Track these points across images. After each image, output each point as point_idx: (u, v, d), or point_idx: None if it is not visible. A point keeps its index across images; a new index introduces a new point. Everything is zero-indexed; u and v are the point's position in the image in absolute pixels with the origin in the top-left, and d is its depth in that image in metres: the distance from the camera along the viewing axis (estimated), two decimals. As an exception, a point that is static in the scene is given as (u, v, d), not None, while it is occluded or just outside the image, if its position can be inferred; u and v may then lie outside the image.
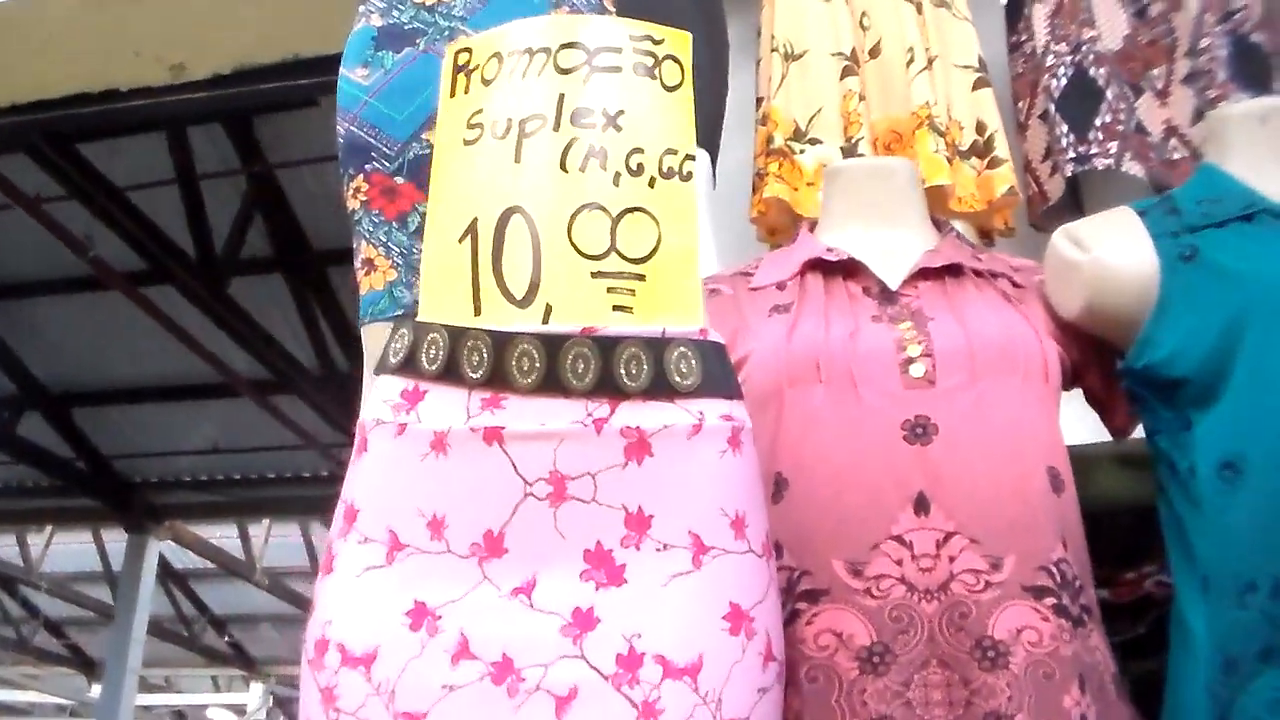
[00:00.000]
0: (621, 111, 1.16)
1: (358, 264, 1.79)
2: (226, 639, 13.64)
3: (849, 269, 1.53)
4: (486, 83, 1.20)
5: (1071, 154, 2.11)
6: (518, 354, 1.09)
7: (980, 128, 2.20)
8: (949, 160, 2.10)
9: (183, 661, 14.13)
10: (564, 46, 1.18)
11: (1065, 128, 2.13)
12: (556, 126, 1.15)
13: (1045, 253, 1.56)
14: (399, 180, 1.76)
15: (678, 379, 1.12)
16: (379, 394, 1.17)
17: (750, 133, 2.30)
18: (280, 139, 5.85)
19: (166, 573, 11.03)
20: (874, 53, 2.26)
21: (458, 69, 1.23)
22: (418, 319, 1.17)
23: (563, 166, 1.14)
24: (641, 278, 1.12)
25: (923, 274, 1.52)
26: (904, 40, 2.23)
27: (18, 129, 3.96)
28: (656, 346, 1.11)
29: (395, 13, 1.84)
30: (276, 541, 10.92)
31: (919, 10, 2.26)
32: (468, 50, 1.23)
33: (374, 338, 1.74)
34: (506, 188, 1.14)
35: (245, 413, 7.46)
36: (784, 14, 2.32)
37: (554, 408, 1.09)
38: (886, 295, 1.50)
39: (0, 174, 5.25)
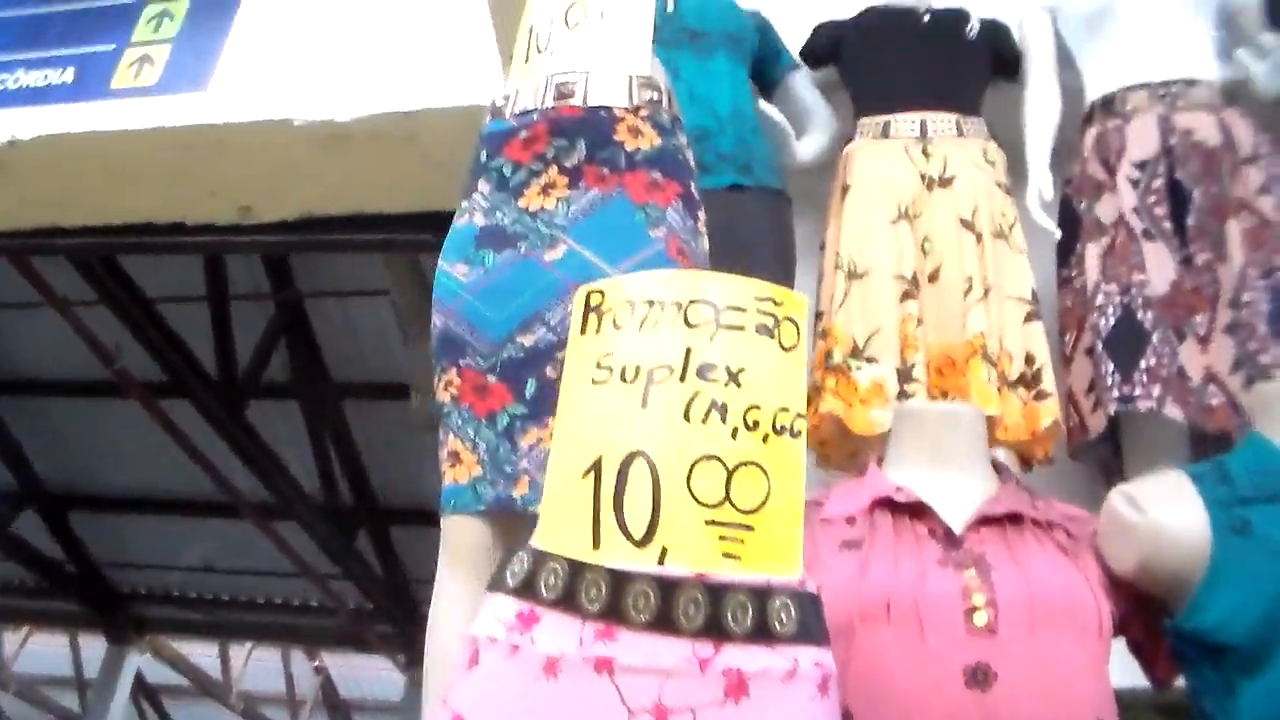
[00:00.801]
0: (743, 369, 1.25)
1: (443, 454, 1.87)
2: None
3: (915, 510, 1.61)
4: (617, 326, 1.29)
5: (1116, 393, 2.21)
6: (634, 593, 1.17)
7: (1030, 359, 2.30)
8: (999, 390, 2.21)
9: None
10: (693, 302, 1.28)
11: (1111, 367, 2.24)
12: (682, 378, 1.24)
13: (1102, 509, 1.64)
14: (491, 379, 1.85)
15: (778, 626, 1.19)
16: (493, 612, 1.24)
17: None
18: (312, 269, 5.98)
19: (139, 687, 10.86)
20: (933, 278, 2.38)
21: (589, 308, 1.32)
22: (536, 546, 1.24)
23: (686, 417, 1.23)
24: (751, 528, 1.20)
25: (984, 520, 1.60)
26: (964, 269, 2.35)
27: (84, 249, 4.06)
28: (761, 595, 1.19)
29: (499, 214, 1.95)
30: (256, 666, 10.78)
31: (979, 240, 2.38)
32: (600, 292, 1.33)
33: (454, 530, 1.82)
34: (632, 431, 1.23)
35: (242, 534, 7.45)
36: (850, 232, 2.44)
37: (663, 645, 1.16)
38: (951, 539, 1.57)
39: (36, 272, 5.33)
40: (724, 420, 1.23)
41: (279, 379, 6.41)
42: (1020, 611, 1.46)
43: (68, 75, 3.42)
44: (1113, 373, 2.24)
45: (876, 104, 2.61)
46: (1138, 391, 2.20)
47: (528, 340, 1.84)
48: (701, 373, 1.25)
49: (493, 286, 1.89)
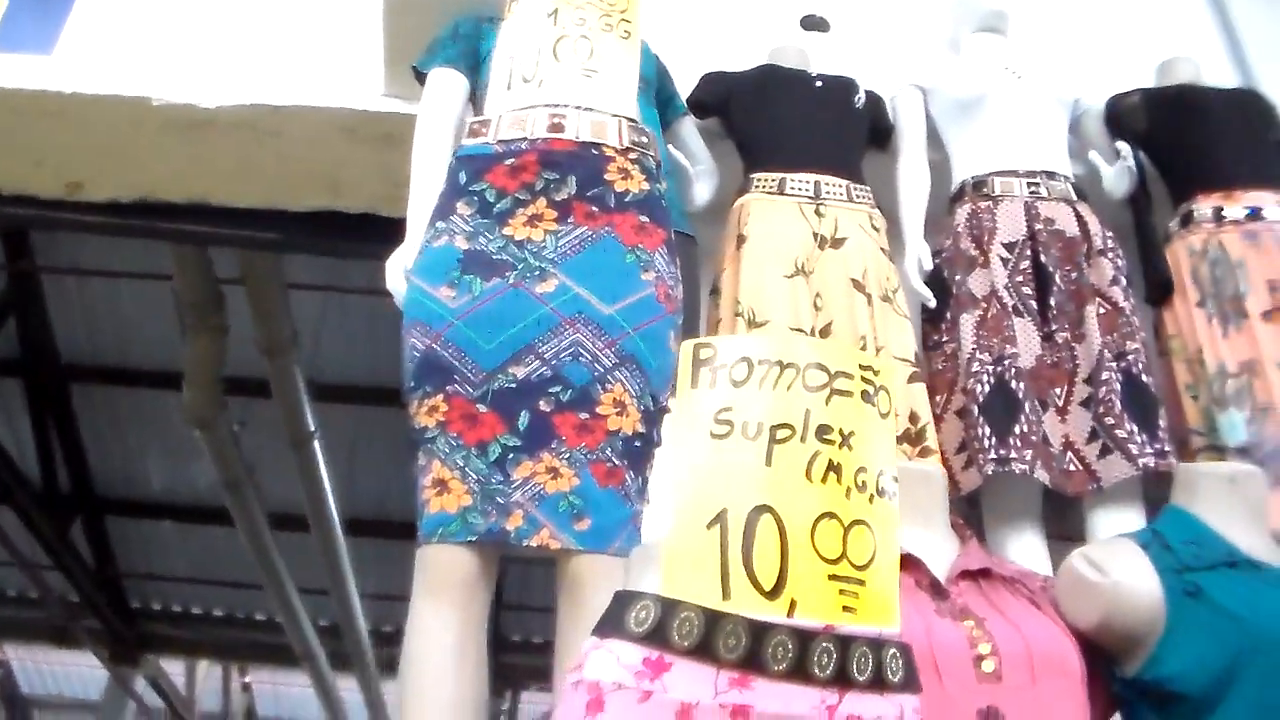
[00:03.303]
0: (853, 432, 1.34)
1: (426, 480, 1.84)
2: None
3: (904, 562, 1.73)
4: (735, 383, 1.34)
5: (993, 455, 2.41)
6: (774, 643, 1.23)
7: (913, 418, 2.47)
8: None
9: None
10: (810, 365, 1.35)
11: (988, 430, 2.44)
12: (803, 438, 1.31)
13: (1061, 568, 1.81)
14: (481, 408, 1.84)
15: (890, 675, 1.29)
16: (614, 657, 1.26)
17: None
18: (53, 243, 5.58)
19: None
20: (825, 333, 2.51)
21: (698, 361, 1.37)
22: (662, 594, 1.27)
23: (808, 475, 1.30)
24: (864, 583, 1.29)
25: (962, 574, 1.74)
26: (856, 327, 2.50)
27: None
28: (876, 646, 1.28)
29: (482, 239, 1.94)
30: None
31: (869, 301, 2.55)
32: (710, 346, 1.38)
33: (441, 558, 1.79)
34: (758, 486, 1.29)
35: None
36: (749, 283, 2.54)
37: (796, 692, 1.23)
38: (938, 591, 1.70)
39: None
40: (840, 480, 1.31)
41: (5, 355, 5.96)
42: (1021, 660, 1.60)
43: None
44: (989, 436, 2.43)
45: (771, 160, 2.73)
46: (1012, 455, 2.40)
47: (520, 371, 1.85)
48: (820, 434, 1.32)
49: (483, 314, 1.89)
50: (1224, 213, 2.75)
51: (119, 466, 6.77)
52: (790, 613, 1.25)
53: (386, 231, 2.42)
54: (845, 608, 1.27)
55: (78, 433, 6.43)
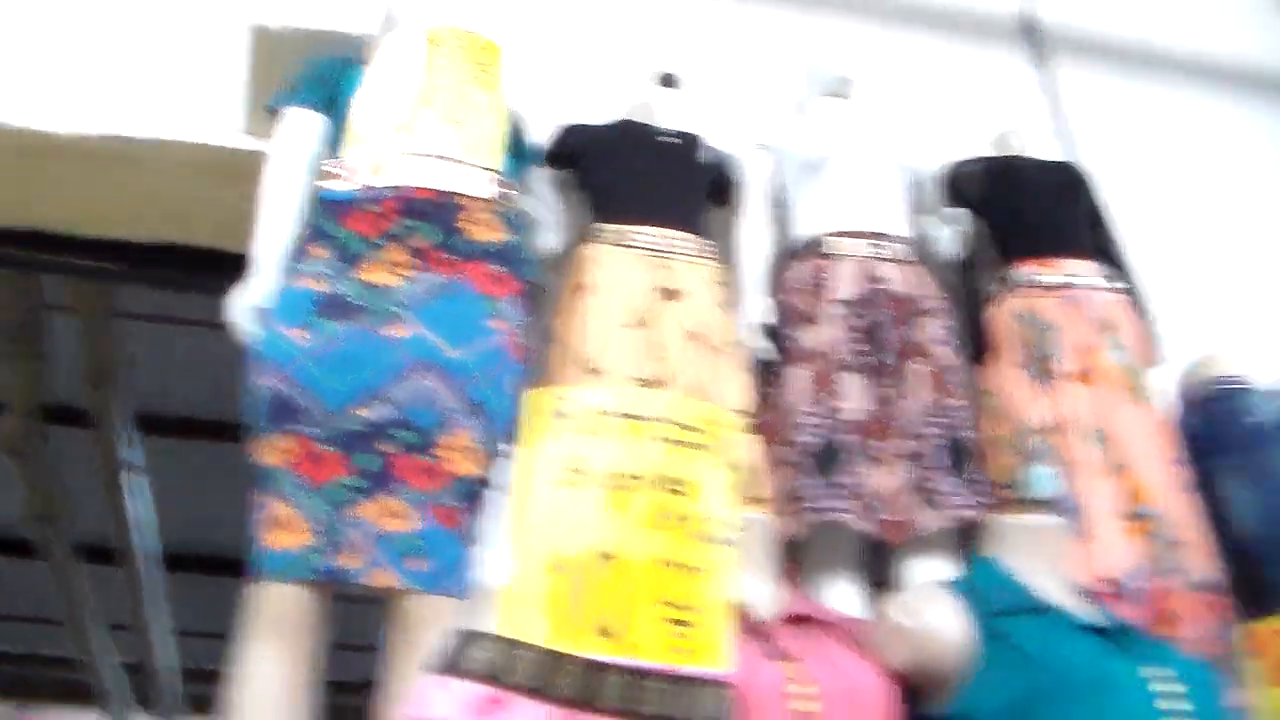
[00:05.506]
0: (697, 483, 1.40)
1: (264, 517, 1.84)
2: None
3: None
4: (583, 434, 1.39)
5: (815, 505, 2.50)
6: (607, 682, 1.28)
7: (746, 468, 2.54)
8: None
9: None
10: (656, 418, 1.41)
11: (811, 481, 2.53)
12: (648, 487, 1.37)
13: (878, 613, 1.91)
14: (327, 449, 1.85)
15: (713, 714, 1.35)
16: (453, 695, 1.30)
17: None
18: None
19: None
20: (662, 383, 2.50)
21: (547, 411, 1.42)
22: (501, 635, 1.31)
23: (650, 523, 1.36)
24: (698, 626, 1.35)
25: (787, 619, 1.82)
26: (693, 379, 2.54)
27: None
28: (704, 686, 1.34)
29: (340, 284, 1.96)
30: None
31: (707, 354, 2.61)
32: (560, 396, 1.43)
33: (277, 597, 1.79)
34: (600, 533, 1.35)
35: None
36: (588, 330, 2.55)
37: None
38: (761, 634, 1.77)
39: None
40: (681, 528, 1.37)
41: None
42: (837, 699, 1.68)
43: None
44: (812, 486, 2.53)
45: (616, 212, 2.79)
46: (836, 504, 2.50)
47: (367, 414, 1.87)
48: (663, 484, 1.38)
49: (333, 355, 1.90)
50: (1040, 279, 2.93)
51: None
52: (624, 653, 1.30)
53: (228, 266, 2.40)
54: (678, 649, 1.32)
55: None
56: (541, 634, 1.30)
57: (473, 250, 2.05)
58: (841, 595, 2.49)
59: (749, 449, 2.55)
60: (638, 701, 1.29)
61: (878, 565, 2.64)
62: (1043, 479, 2.66)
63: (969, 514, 2.53)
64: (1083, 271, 2.97)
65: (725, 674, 1.38)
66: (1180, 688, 1.82)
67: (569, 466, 1.38)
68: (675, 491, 1.38)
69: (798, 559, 2.64)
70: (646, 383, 2.54)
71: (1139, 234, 3.30)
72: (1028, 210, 3.08)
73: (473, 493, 1.91)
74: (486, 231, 2.05)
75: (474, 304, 1.98)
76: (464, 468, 1.90)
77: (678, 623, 1.33)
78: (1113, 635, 1.90)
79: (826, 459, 2.56)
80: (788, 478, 2.61)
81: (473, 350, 1.93)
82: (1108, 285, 2.99)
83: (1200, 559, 2.68)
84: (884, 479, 2.63)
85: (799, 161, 2.99)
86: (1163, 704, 1.79)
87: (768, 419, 2.74)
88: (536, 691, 1.28)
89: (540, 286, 2.58)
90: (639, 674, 1.30)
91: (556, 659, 1.28)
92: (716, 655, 1.36)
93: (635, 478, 1.37)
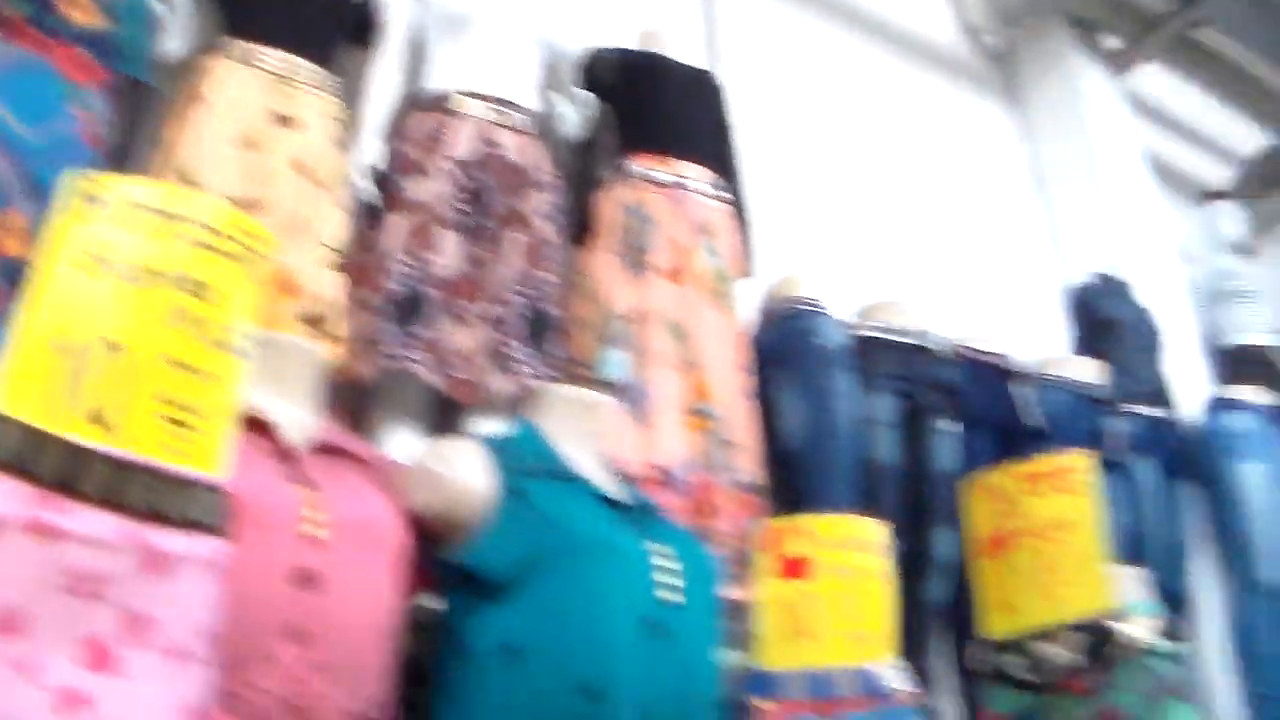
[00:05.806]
0: (221, 291, 1.39)
1: None
2: None
3: (258, 425, 1.79)
4: (115, 223, 1.35)
5: (390, 352, 2.54)
6: (91, 469, 1.26)
7: (326, 302, 2.54)
8: (299, 325, 2.43)
9: None
10: (194, 222, 1.39)
11: (391, 328, 2.56)
12: (168, 285, 1.35)
13: (412, 456, 1.96)
14: None
15: (203, 517, 1.37)
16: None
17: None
18: None
19: None
20: (255, 206, 2.49)
21: (82, 195, 1.36)
22: (-8, 408, 1.27)
23: (165, 322, 1.34)
24: (196, 429, 1.35)
25: (317, 447, 1.85)
26: (289, 207, 2.53)
27: None
28: (196, 488, 1.35)
29: None
30: None
31: (310, 187, 2.58)
32: (97, 183, 1.38)
33: None
34: (113, 322, 1.32)
35: None
36: (193, 145, 2.47)
37: (106, 520, 1.28)
38: (286, 456, 1.79)
39: None
40: (197, 332, 1.36)
41: None
42: (350, 530, 1.73)
43: None
44: (390, 334, 2.56)
45: (246, 29, 2.67)
46: (409, 355, 2.54)
47: None
48: (186, 285, 1.36)
49: None
50: (653, 174, 3.05)
51: None
52: (115, 444, 1.28)
53: None
54: (172, 449, 1.32)
55: None
56: (30, 412, 1.26)
57: (66, 31, 1.93)
58: (401, 445, 2.55)
59: (332, 284, 2.56)
60: (120, 493, 1.28)
61: (447, 425, 2.70)
62: (614, 363, 2.81)
63: (537, 385, 2.62)
64: (695, 175, 3.12)
65: (222, 481, 1.39)
66: (677, 565, 1.98)
67: (92, 253, 1.34)
68: (196, 295, 1.36)
69: (366, 402, 2.68)
70: (240, 204, 2.50)
71: (762, 157, 3.49)
72: (656, 107, 3.19)
73: (18, 274, 1.82)
74: (83, 15, 1.94)
75: (53, 85, 1.88)
76: (12, 249, 1.81)
77: (176, 422, 1.32)
78: (630, 511, 2.04)
79: (409, 309, 2.60)
80: (368, 322, 2.63)
81: (44, 131, 1.84)
82: (714, 193, 3.15)
83: (749, 462, 2.91)
84: (463, 338, 2.68)
85: (443, 15, 2.96)
86: (657, 575, 1.93)
87: (360, 261, 2.74)
88: (13, 469, 1.24)
89: (150, 87, 2.46)
90: (125, 465, 1.28)
91: (40, 438, 1.25)
92: (213, 460, 1.37)
93: (157, 274, 1.35)
